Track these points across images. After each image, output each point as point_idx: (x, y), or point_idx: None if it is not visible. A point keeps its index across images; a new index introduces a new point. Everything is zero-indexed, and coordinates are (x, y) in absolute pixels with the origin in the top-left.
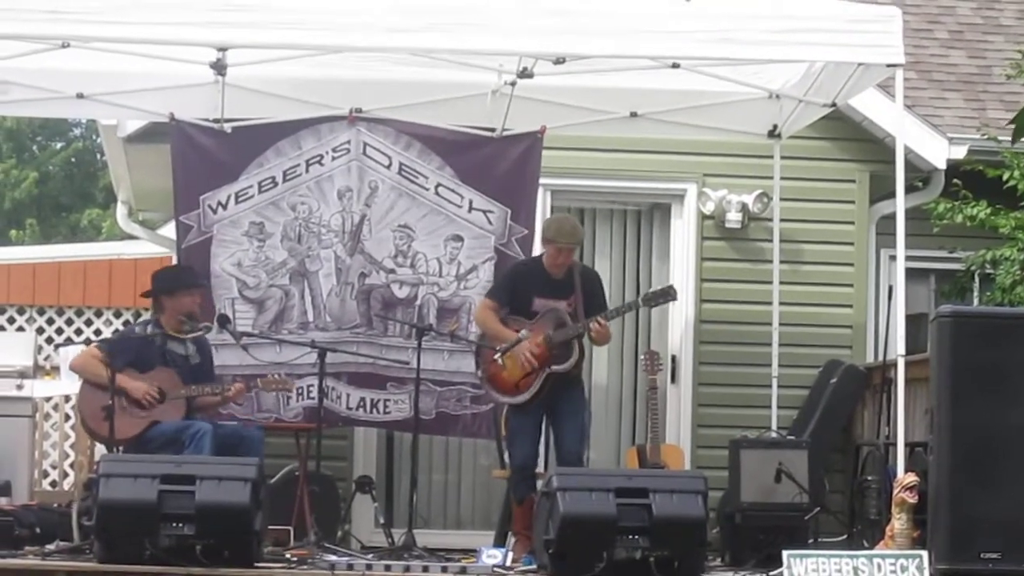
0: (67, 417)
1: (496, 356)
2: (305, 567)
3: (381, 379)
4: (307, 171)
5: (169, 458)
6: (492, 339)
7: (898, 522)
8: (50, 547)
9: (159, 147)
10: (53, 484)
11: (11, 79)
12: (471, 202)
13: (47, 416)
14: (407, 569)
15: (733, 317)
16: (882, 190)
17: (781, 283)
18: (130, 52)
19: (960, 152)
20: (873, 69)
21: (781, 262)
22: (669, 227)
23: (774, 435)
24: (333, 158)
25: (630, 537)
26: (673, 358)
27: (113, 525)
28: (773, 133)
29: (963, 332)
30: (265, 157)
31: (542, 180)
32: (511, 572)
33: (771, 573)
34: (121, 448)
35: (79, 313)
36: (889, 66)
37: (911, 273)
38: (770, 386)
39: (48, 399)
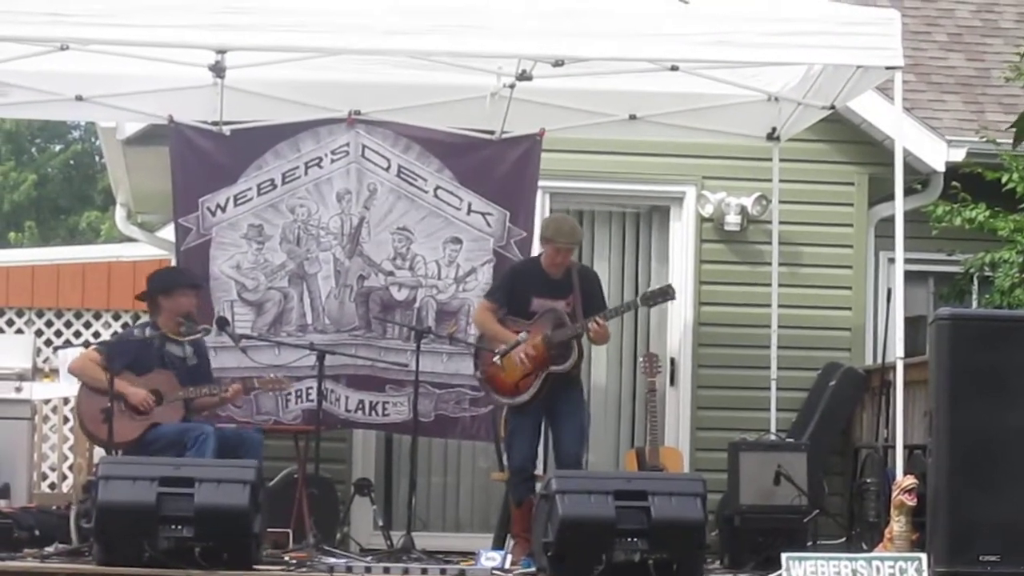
0: (66, 419)
1: (495, 358)
2: (304, 569)
3: (380, 381)
4: (306, 173)
5: (168, 460)
6: (491, 340)
7: (897, 525)
8: (49, 549)
9: (158, 149)
10: (52, 486)
11: (10, 81)
12: (470, 204)
13: (46, 418)
14: (406, 572)
15: (732, 320)
16: (881, 193)
17: (780, 286)
18: (129, 55)
19: (959, 155)
20: (872, 72)
21: (780, 264)
22: (668, 230)
23: (773, 438)
24: (332, 160)
25: (629, 540)
26: (672, 360)
27: (112, 527)
28: (772, 136)
29: (962, 335)
30: (264, 159)
31: (541, 182)
32: (510, 575)
33: None
34: (120, 451)
35: (78, 315)
36: (888, 69)
37: (910, 276)
38: (769, 388)
39: (47, 401)
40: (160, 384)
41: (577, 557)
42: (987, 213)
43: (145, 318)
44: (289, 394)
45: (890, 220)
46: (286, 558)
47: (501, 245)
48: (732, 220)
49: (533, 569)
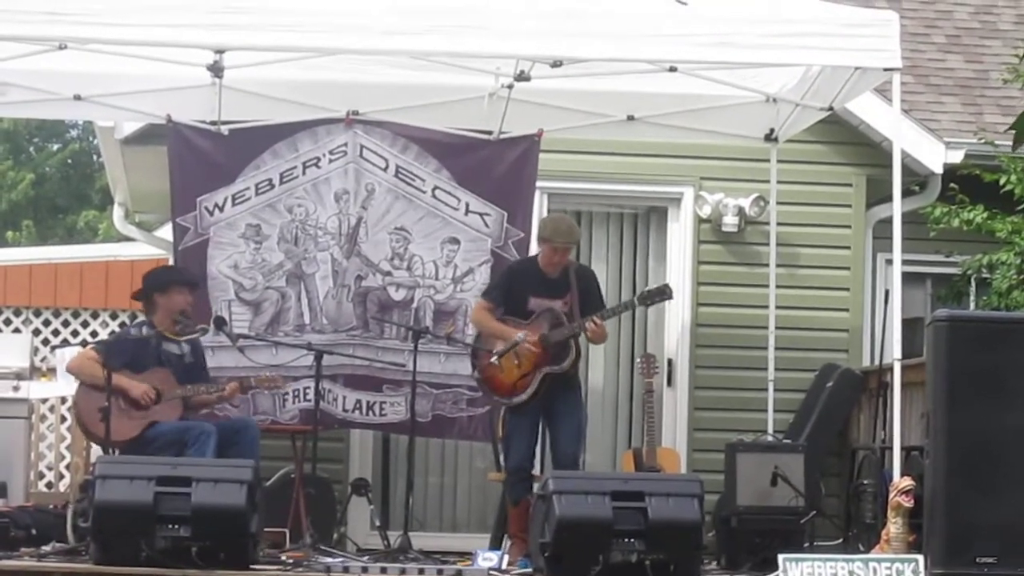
0: (63, 419)
1: (493, 358)
2: (301, 569)
3: (377, 381)
4: (304, 173)
5: (165, 460)
6: (490, 338)
7: (894, 526)
8: (46, 548)
9: (156, 149)
10: (49, 485)
11: (8, 80)
12: (468, 205)
13: (43, 418)
14: (403, 572)
15: (729, 321)
16: (879, 194)
17: (777, 287)
18: (127, 54)
19: (957, 156)
20: (870, 73)
21: (778, 266)
22: (666, 230)
23: (770, 439)
24: (330, 160)
25: (626, 540)
26: (669, 361)
27: (109, 527)
28: (770, 137)
29: (959, 336)
30: (262, 159)
31: (539, 183)
32: (507, 575)
33: None
34: (118, 449)
35: (75, 315)
36: (886, 70)
37: (907, 277)
38: (766, 390)
39: (44, 401)
40: (158, 382)
41: (574, 557)
42: (985, 215)
43: (142, 317)
44: (286, 394)
45: (888, 221)
46: (283, 558)
47: (499, 245)
48: (730, 221)
49: (530, 569)
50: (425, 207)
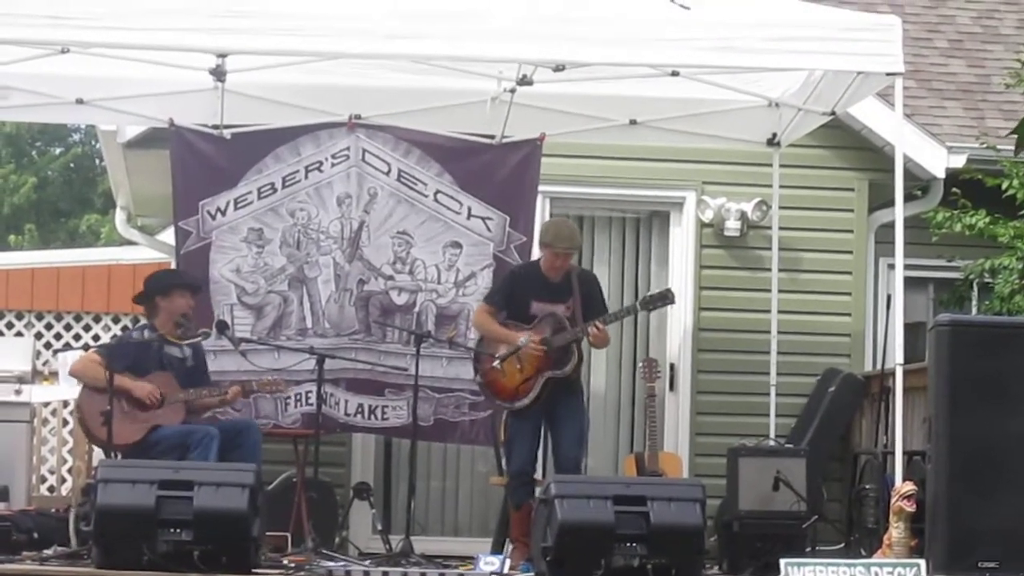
0: (65, 422)
1: (495, 362)
2: (303, 573)
3: (379, 385)
4: (306, 177)
5: (167, 464)
6: (492, 342)
7: (896, 531)
8: (48, 552)
9: (158, 153)
10: (51, 489)
11: (11, 84)
12: (470, 209)
13: (45, 421)
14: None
15: (732, 325)
16: (881, 199)
17: (780, 291)
18: (130, 58)
19: (959, 161)
20: (872, 78)
21: (780, 270)
22: (668, 235)
23: (772, 443)
24: (332, 164)
25: (628, 545)
26: (672, 366)
27: (111, 530)
28: (772, 141)
29: (961, 341)
30: (264, 163)
31: (541, 187)
32: None
33: None
34: (120, 453)
35: (77, 318)
36: (888, 75)
37: (910, 282)
38: (768, 394)
39: (46, 404)
40: (161, 386)
41: (576, 562)
42: (987, 219)
43: (144, 321)
44: (288, 398)
45: (890, 226)
46: (285, 562)
47: (501, 250)
48: (732, 225)
49: (532, 574)
50: (427, 211)
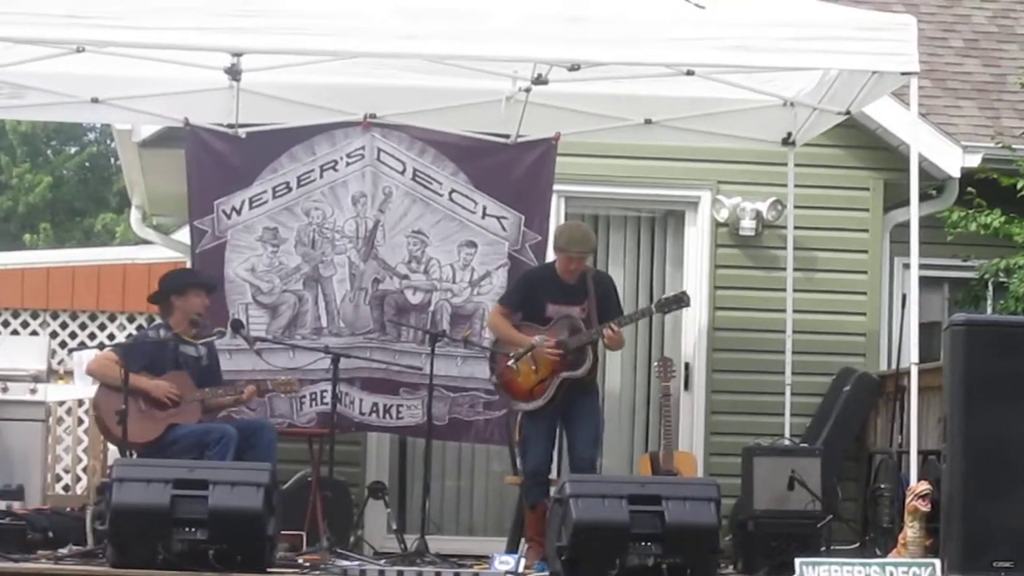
0: (80, 421)
1: (510, 362)
2: (317, 572)
3: (394, 385)
4: (321, 176)
5: (182, 463)
6: (506, 344)
7: (911, 530)
8: (63, 551)
9: (173, 152)
10: (66, 488)
11: (26, 83)
12: (485, 208)
13: (60, 420)
14: (419, 575)
15: (747, 324)
16: (896, 198)
17: (795, 291)
18: (145, 57)
19: (974, 160)
20: (888, 77)
21: (795, 270)
22: (683, 234)
23: (787, 443)
24: (347, 164)
25: (643, 544)
26: (686, 365)
27: (126, 529)
28: (787, 141)
29: (976, 341)
30: (279, 162)
31: (556, 187)
32: None
33: None
34: (137, 452)
35: (93, 317)
36: (904, 74)
37: (925, 281)
38: (783, 394)
39: (61, 403)
40: (176, 385)
41: (591, 561)
42: (1002, 219)
43: (159, 320)
44: (303, 397)
45: (905, 225)
46: (300, 561)
47: (516, 249)
48: (747, 225)
49: (547, 573)
50: (442, 210)
